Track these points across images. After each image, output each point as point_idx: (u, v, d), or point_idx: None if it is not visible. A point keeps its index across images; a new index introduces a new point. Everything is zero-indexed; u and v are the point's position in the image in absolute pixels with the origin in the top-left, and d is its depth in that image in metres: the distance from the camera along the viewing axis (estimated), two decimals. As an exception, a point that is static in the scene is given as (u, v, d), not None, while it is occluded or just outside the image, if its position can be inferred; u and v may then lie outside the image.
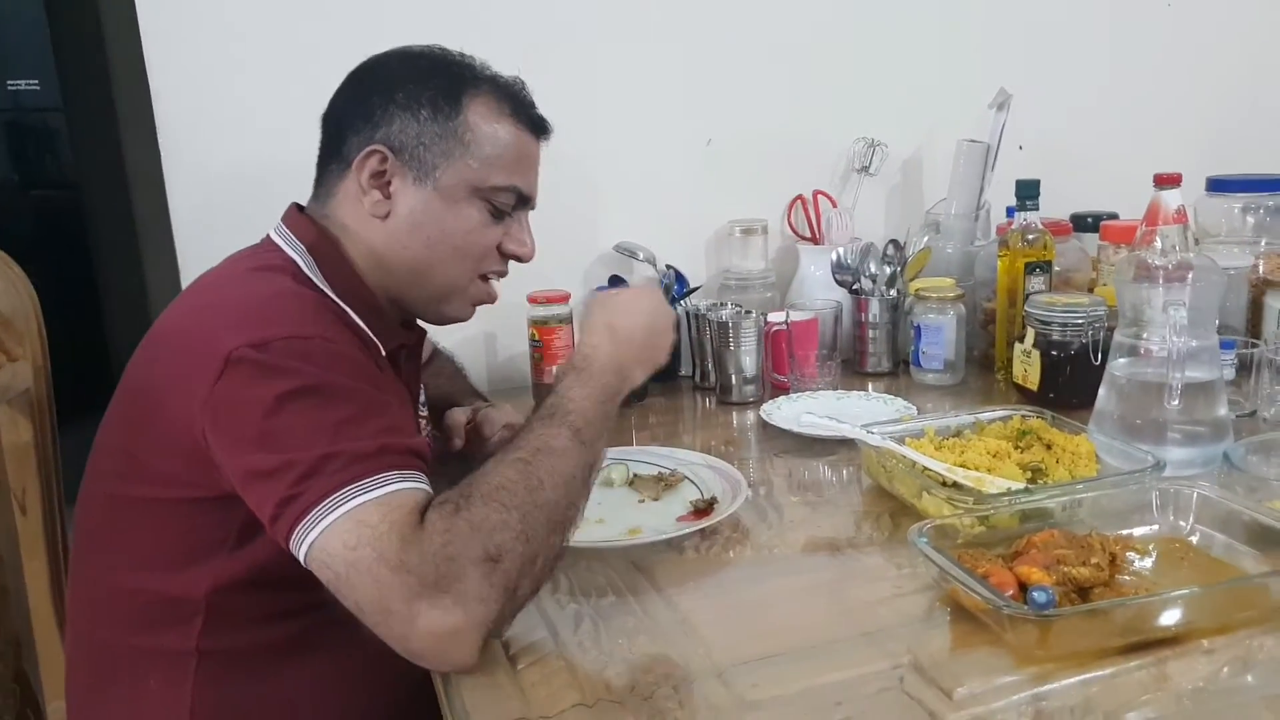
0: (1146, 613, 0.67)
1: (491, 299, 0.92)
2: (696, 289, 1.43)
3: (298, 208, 0.87)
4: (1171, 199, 1.20)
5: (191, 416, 0.71)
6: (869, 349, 1.39)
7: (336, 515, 0.65)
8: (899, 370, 1.39)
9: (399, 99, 0.83)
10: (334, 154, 0.85)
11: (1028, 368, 1.20)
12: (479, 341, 1.40)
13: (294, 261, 0.82)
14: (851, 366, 1.39)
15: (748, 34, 1.43)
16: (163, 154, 1.20)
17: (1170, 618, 0.68)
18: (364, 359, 0.77)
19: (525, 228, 0.91)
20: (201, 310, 0.79)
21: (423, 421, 0.98)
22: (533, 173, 0.90)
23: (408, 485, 0.68)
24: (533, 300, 1.30)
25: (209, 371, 0.70)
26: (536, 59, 1.32)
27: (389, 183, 0.83)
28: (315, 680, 0.81)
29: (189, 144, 1.21)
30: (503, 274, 0.91)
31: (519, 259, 0.91)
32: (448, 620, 0.63)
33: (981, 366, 1.38)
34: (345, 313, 0.82)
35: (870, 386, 1.33)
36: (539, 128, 0.90)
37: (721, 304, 1.35)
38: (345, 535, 0.65)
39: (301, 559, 0.67)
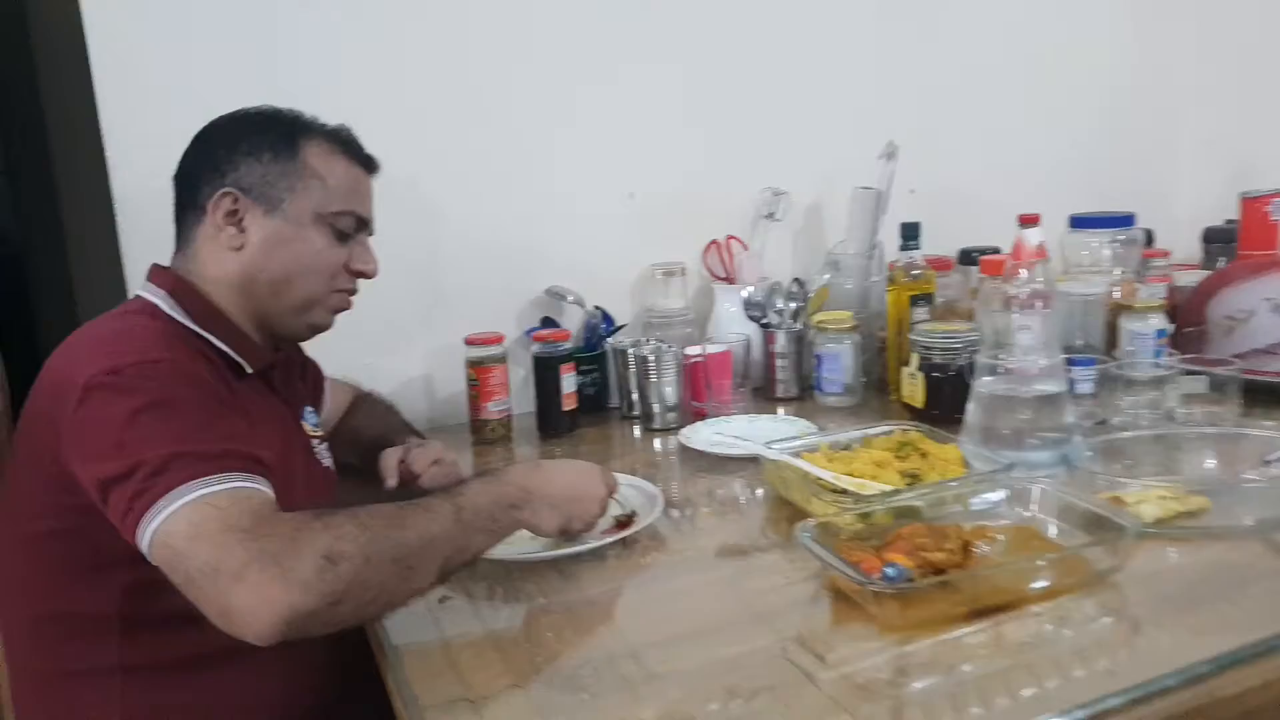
0: (981, 583, 0.81)
1: (347, 305, 1.03)
2: (622, 327, 1.56)
3: (158, 266, 0.97)
4: (1033, 236, 1.37)
5: (59, 445, 0.79)
6: (778, 376, 1.52)
7: (183, 501, 0.71)
8: (805, 394, 1.52)
9: (242, 148, 0.95)
10: (190, 205, 0.96)
11: (914, 388, 1.34)
12: (419, 382, 1.50)
13: (153, 304, 0.93)
14: (763, 393, 1.53)
15: (663, 99, 1.58)
16: (118, 220, 1.27)
17: (1004, 587, 0.81)
18: (212, 380, 0.86)
19: (368, 249, 1.03)
20: (65, 352, 0.88)
21: (315, 440, 1.06)
22: (368, 200, 1.02)
23: (252, 485, 0.75)
24: (470, 342, 1.41)
25: (71, 401, 0.78)
26: (475, 130, 1.45)
27: (241, 219, 0.94)
28: (249, 683, 0.86)
29: (148, 212, 1.22)
30: (353, 291, 1.02)
31: (365, 275, 1.02)
32: (269, 588, 0.67)
33: (878, 389, 1.52)
34: (207, 339, 0.92)
35: (780, 410, 1.46)
36: (368, 164, 1.02)
37: (645, 340, 1.47)
38: (191, 514, 0.71)
39: (146, 549, 0.72)
